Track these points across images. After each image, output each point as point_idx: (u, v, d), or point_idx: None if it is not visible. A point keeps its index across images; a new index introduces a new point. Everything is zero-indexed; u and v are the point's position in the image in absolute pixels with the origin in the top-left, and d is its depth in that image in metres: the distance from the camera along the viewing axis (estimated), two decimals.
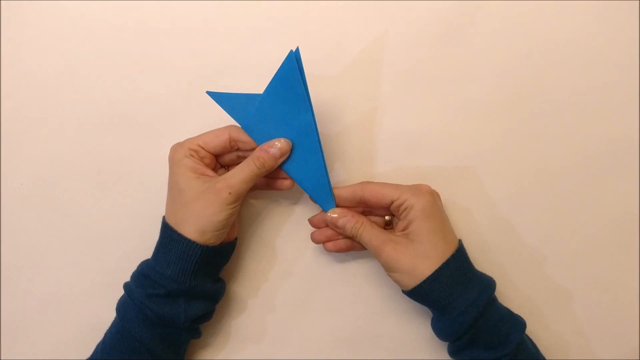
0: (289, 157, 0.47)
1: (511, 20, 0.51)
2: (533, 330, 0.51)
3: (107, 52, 0.53)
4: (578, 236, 0.52)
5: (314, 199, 0.48)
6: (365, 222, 0.47)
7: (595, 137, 0.52)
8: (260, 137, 0.47)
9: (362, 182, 0.48)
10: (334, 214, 0.48)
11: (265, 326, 0.52)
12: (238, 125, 0.48)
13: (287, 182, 0.49)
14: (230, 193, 0.45)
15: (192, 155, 0.47)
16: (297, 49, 0.46)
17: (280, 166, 0.47)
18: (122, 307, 0.47)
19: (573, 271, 0.52)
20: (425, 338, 0.52)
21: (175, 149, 0.47)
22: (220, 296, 0.49)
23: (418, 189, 0.47)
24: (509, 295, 0.51)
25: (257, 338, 0.52)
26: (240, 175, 0.46)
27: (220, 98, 0.47)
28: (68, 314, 0.53)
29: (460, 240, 0.47)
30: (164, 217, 0.47)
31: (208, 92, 0.47)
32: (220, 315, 0.52)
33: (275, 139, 0.46)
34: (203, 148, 0.47)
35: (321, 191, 0.48)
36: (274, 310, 0.52)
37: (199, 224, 0.45)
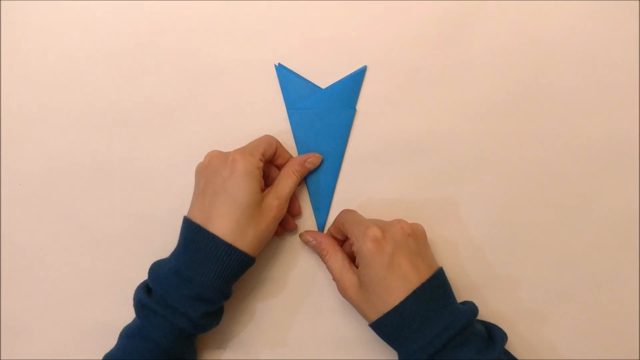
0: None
1: (511, 20, 0.51)
2: (533, 331, 0.51)
3: (107, 52, 0.53)
4: (578, 236, 0.52)
5: (313, 208, 0.52)
6: (330, 251, 0.48)
7: (595, 137, 0.52)
8: (298, 128, 0.51)
9: (342, 211, 0.49)
10: (306, 235, 0.50)
11: (265, 326, 0.52)
12: (271, 135, 0.50)
13: (293, 224, 0.51)
14: (280, 208, 0.47)
15: (259, 168, 0.46)
16: (365, 67, 0.51)
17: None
18: (155, 326, 0.44)
19: (573, 271, 0.52)
20: None
21: (247, 158, 0.45)
22: None
23: (365, 234, 0.44)
24: (509, 294, 0.51)
25: (256, 338, 0.52)
26: (286, 189, 0.48)
27: (284, 74, 0.50)
28: (68, 314, 0.53)
29: (430, 277, 0.44)
30: (201, 226, 0.45)
31: (276, 66, 0.50)
32: None
33: (310, 153, 0.50)
34: (263, 159, 0.47)
35: (321, 205, 0.52)
36: (273, 311, 0.52)
37: (259, 238, 0.45)
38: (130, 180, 0.53)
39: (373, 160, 0.52)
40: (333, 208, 0.52)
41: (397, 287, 0.43)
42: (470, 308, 0.45)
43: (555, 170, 0.52)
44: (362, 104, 0.52)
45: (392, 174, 0.52)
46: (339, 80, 0.51)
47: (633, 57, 0.51)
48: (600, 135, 0.51)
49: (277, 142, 0.50)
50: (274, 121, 0.52)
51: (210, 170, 0.46)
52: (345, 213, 0.49)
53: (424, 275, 0.44)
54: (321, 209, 0.52)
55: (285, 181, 0.48)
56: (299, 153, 0.51)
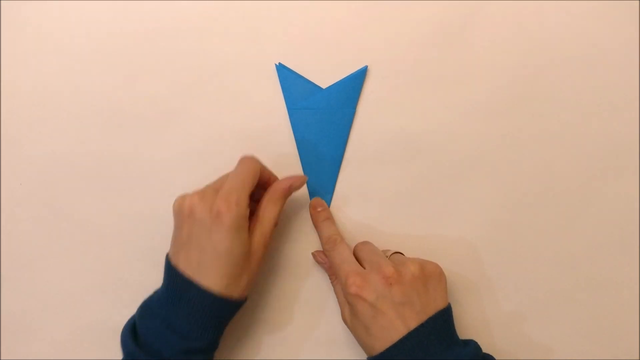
0: (308, 159, 0.51)
1: (511, 20, 0.51)
2: (533, 330, 0.51)
3: (107, 52, 0.53)
4: (578, 236, 0.52)
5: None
6: (335, 279, 0.49)
7: (595, 137, 0.52)
8: (299, 127, 0.51)
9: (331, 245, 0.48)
10: (317, 256, 0.50)
11: (265, 326, 0.52)
12: (255, 157, 0.47)
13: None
14: (266, 242, 0.45)
15: (246, 216, 0.43)
16: (366, 67, 0.51)
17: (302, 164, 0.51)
18: None
19: (573, 271, 0.52)
20: None
21: (233, 210, 0.42)
22: None
23: (346, 284, 0.44)
24: (508, 295, 0.51)
25: (256, 338, 0.52)
26: (271, 220, 0.45)
27: (284, 74, 0.50)
28: (68, 314, 0.53)
29: (419, 325, 0.42)
30: (191, 281, 0.42)
31: (277, 65, 0.50)
32: None
33: (293, 176, 0.47)
34: (249, 201, 0.44)
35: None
36: (273, 311, 0.52)
37: (252, 280, 0.44)
38: (130, 180, 0.53)
39: (373, 160, 0.52)
40: (333, 207, 0.52)
41: (382, 336, 0.42)
42: (470, 352, 0.43)
43: (555, 170, 0.52)
44: (362, 104, 0.52)
45: (392, 174, 0.52)
46: (340, 80, 0.51)
47: (633, 57, 0.51)
48: (600, 135, 0.51)
49: (261, 166, 0.47)
50: (274, 121, 0.52)
51: (194, 221, 0.43)
52: (339, 250, 0.47)
53: (413, 323, 0.42)
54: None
55: (269, 211, 0.46)
56: (300, 153, 0.51)
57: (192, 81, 0.52)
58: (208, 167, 0.52)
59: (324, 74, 0.52)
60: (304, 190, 0.52)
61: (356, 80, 0.51)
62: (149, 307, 0.44)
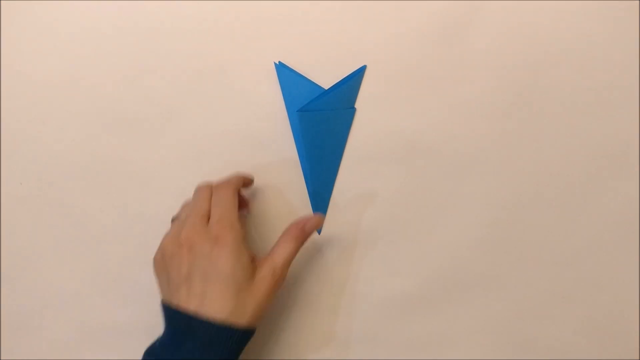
0: (309, 159, 0.50)
1: (511, 20, 0.51)
2: (533, 330, 0.51)
3: (107, 51, 0.53)
4: (578, 236, 0.52)
5: (312, 208, 0.52)
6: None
7: (595, 137, 0.52)
8: (298, 128, 0.50)
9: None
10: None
11: (264, 327, 0.52)
12: (236, 174, 0.48)
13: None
14: (275, 276, 0.44)
15: (245, 237, 0.44)
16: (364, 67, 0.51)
17: (300, 160, 0.51)
18: None
19: (573, 271, 0.52)
20: (425, 338, 0.52)
21: (232, 233, 0.43)
22: None
23: None
24: (507, 296, 0.51)
25: (255, 338, 0.52)
26: (283, 256, 0.45)
27: (284, 73, 0.50)
28: (68, 314, 0.53)
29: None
30: (195, 316, 0.41)
31: (276, 64, 0.49)
32: None
33: (311, 216, 0.47)
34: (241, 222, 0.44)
35: (320, 205, 0.52)
36: (273, 311, 0.52)
37: (259, 308, 0.43)
38: (130, 180, 0.53)
39: (373, 160, 0.52)
40: (332, 208, 0.52)
41: None
42: None
43: (555, 170, 0.52)
44: (361, 104, 0.52)
45: (392, 174, 0.52)
46: (341, 80, 0.51)
47: (633, 57, 0.51)
48: (600, 135, 0.51)
49: (239, 179, 0.48)
50: (274, 121, 0.52)
51: (195, 253, 0.43)
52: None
53: None
54: (320, 209, 0.52)
55: (283, 249, 0.45)
56: (299, 153, 0.51)
57: (192, 81, 0.52)
58: (208, 167, 0.52)
59: (323, 74, 0.52)
60: (303, 190, 0.52)
61: (355, 80, 0.51)
62: (153, 354, 0.43)
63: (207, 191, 0.46)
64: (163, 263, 0.44)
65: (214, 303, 0.42)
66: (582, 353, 0.51)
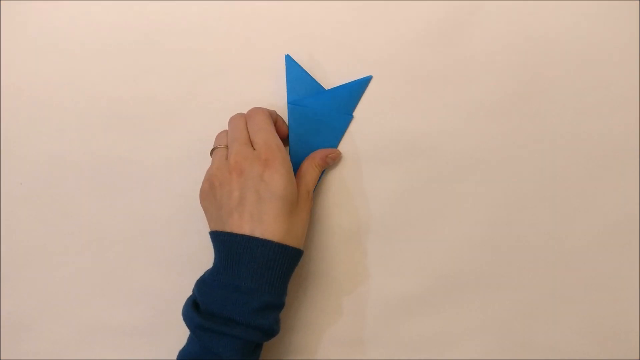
0: (293, 154, 0.50)
1: (511, 20, 0.51)
2: (533, 331, 0.51)
3: (107, 51, 0.53)
4: (578, 236, 0.52)
5: None
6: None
7: (595, 137, 0.51)
8: (294, 123, 0.50)
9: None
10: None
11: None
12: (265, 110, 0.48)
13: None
14: (311, 198, 0.47)
15: (289, 159, 0.46)
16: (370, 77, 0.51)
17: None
18: (225, 346, 0.42)
19: (573, 271, 0.52)
20: (425, 338, 0.52)
21: (279, 155, 0.44)
22: None
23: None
24: (507, 296, 0.51)
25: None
26: (311, 181, 0.48)
27: (292, 67, 0.50)
28: (68, 313, 0.53)
29: None
30: (251, 236, 0.43)
31: (286, 56, 0.50)
32: None
33: (332, 149, 0.51)
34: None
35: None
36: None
37: (304, 230, 0.46)
38: (130, 180, 0.53)
39: (373, 160, 0.52)
40: (332, 207, 0.52)
41: None
42: None
43: (555, 170, 0.52)
44: (362, 103, 0.52)
45: (392, 173, 0.52)
46: (343, 84, 0.51)
47: (633, 57, 0.51)
48: (600, 135, 0.51)
49: (269, 111, 0.49)
50: None
51: (245, 177, 0.43)
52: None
53: None
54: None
55: (310, 174, 0.48)
56: (291, 147, 0.51)
57: (192, 81, 0.52)
58: (208, 167, 0.52)
59: (325, 73, 0.52)
60: None
61: (358, 88, 0.51)
62: (206, 283, 0.44)
63: (243, 119, 0.48)
64: (212, 192, 0.45)
65: (269, 224, 0.43)
66: (582, 353, 0.51)
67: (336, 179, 0.52)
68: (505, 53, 0.51)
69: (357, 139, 0.52)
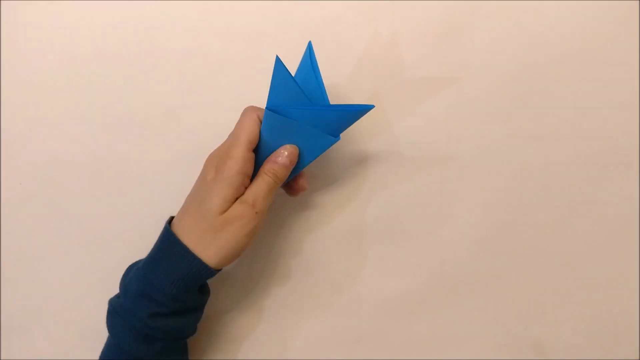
0: (258, 159, 0.45)
1: (511, 20, 0.51)
2: (532, 330, 0.51)
3: (107, 52, 0.53)
4: (578, 236, 0.52)
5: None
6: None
7: (595, 137, 0.52)
8: (267, 130, 0.44)
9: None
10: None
11: (265, 326, 0.52)
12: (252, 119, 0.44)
13: (301, 182, 0.47)
14: (257, 213, 0.43)
15: (248, 175, 0.44)
16: (310, 43, 0.45)
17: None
18: (116, 327, 0.44)
19: (573, 271, 0.52)
20: (424, 338, 0.52)
21: (237, 160, 0.43)
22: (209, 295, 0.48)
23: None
24: (508, 295, 0.51)
25: (255, 338, 0.52)
26: (260, 192, 0.43)
27: (280, 71, 0.42)
28: (68, 314, 0.53)
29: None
30: (175, 234, 0.43)
31: (277, 58, 0.42)
32: (219, 316, 0.52)
33: (282, 146, 0.44)
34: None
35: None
36: (273, 311, 0.52)
37: (225, 253, 0.43)
38: (130, 180, 0.53)
39: (372, 160, 0.52)
40: (332, 207, 0.52)
41: None
42: None
43: (555, 170, 0.52)
44: (362, 102, 0.52)
45: (392, 174, 0.52)
46: (338, 105, 0.45)
47: (633, 57, 0.51)
48: (600, 134, 0.51)
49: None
50: None
51: (206, 179, 0.44)
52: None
53: None
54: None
55: (257, 184, 0.44)
56: (257, 155, 0.45)
57: (192, 81, 0.52)
58: None
59: (324, 73, 0.51)
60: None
61: (355, 114, 0.45)
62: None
63: (250, 115, 0.45)
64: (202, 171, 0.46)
65: (184, 221, 0.44)
66: (582, 353, 0.51)
67: (336, 179, 0.52)
68: (505, 53, 0.51)
69: (357, 139, 0.52)
